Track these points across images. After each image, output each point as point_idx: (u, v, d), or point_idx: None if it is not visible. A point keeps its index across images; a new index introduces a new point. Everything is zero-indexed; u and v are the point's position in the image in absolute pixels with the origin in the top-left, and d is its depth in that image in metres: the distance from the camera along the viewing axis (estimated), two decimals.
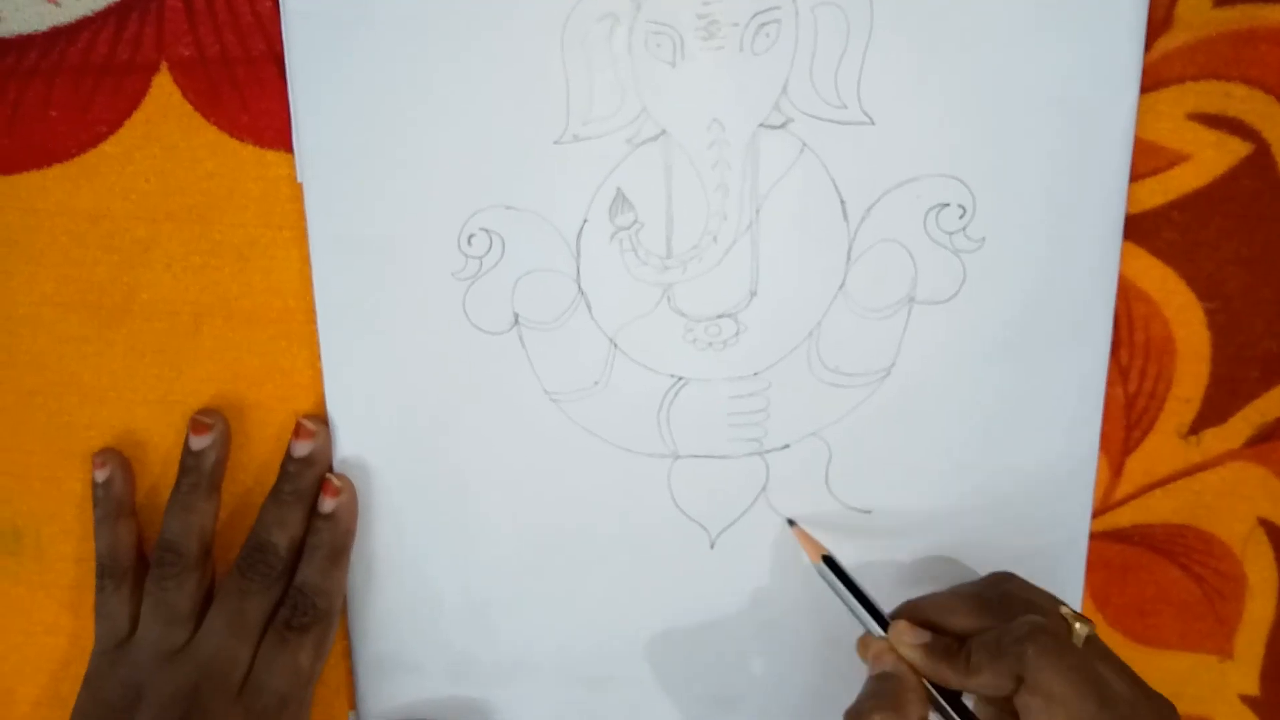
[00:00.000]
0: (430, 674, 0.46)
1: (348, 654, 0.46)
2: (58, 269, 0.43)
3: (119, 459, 0.44)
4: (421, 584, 0.45)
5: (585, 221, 0.41)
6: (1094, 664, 0.37)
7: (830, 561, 0.42)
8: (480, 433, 0.43)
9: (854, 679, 0.45)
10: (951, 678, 0.38)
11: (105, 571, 0.43)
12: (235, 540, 0.44)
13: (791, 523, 0.44)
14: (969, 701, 0.39)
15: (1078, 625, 0.38)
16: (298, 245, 0.42)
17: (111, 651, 0.43)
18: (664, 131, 0.40)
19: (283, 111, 0.40)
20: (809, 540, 0.43)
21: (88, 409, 0.44)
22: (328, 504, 0.43)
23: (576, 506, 0.44)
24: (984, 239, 0.41)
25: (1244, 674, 0.47)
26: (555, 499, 0.44)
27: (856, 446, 0.44)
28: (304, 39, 0.39)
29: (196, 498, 0.43)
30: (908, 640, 0.39)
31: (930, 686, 0.39)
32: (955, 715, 0.39)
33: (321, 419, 0.43)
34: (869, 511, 0.44)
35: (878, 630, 0.40)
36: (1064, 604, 0.39)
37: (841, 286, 0.42)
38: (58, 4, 0.40)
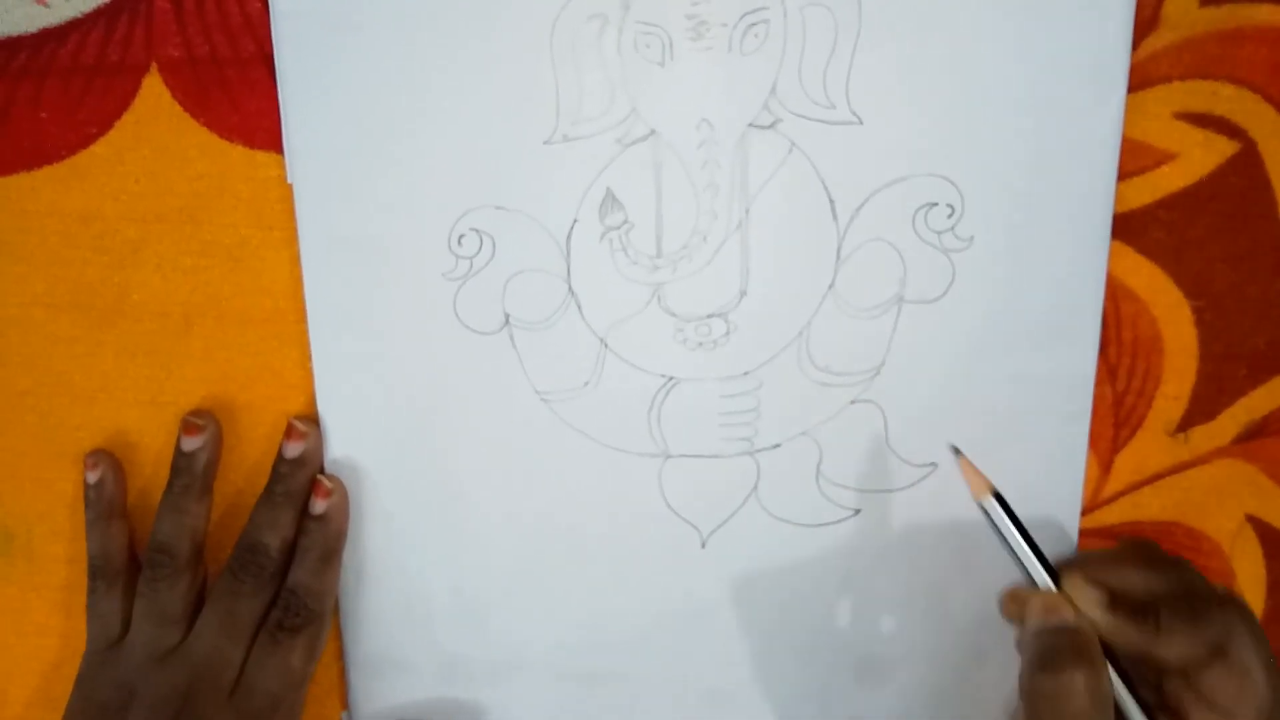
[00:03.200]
0: (422, 674, 0.46)
1: (339, 654, 0.46)
2: (48, 270, 0.43)
3: (110, 460, 0.44)
4: (413, 584, 0.45)
5: (575, 221, 0.41)
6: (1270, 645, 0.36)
7: (1000, 499, 0.39)
8: (471, 433, 0.43)
9: (847, 676, 0.45)
10: (1136, 639, 0.36)
11: (97, 572, 0.43)
12: (227, 541, 0.44)
13: (957, 451, 0.41)
14: None
15: None
16: (288, 246, 0.42)
17: (103, 652, 0.43)
18: (653, 131, 0.40)
19: (272, 112, 0.41)
20: (975, 474, 0.40)
21: (79, 410, 0.44)
22: (319, 505, 0.43)
23: (568, 506, 0.44)
24: (972, 238, 0.42)
25: None
26: (546, 499, 0.44)
27: (846, 446, 0.44)
28: (293, 40, 0.40)
29: (188, 499, 0.43)
30: (1089, 595, 0.36)
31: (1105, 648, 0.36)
32: (1126, 683, 0.36)
33: (312, 420, 0.43)
34: (858, 511, 0.44)
35: (1047, 582, 0.37)
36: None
37: (831, 286, 0.42)
38: (47, 5, 0.40)
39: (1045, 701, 0.35)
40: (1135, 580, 0.37)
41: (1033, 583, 0.39)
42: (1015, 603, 0.39)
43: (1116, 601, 0.36)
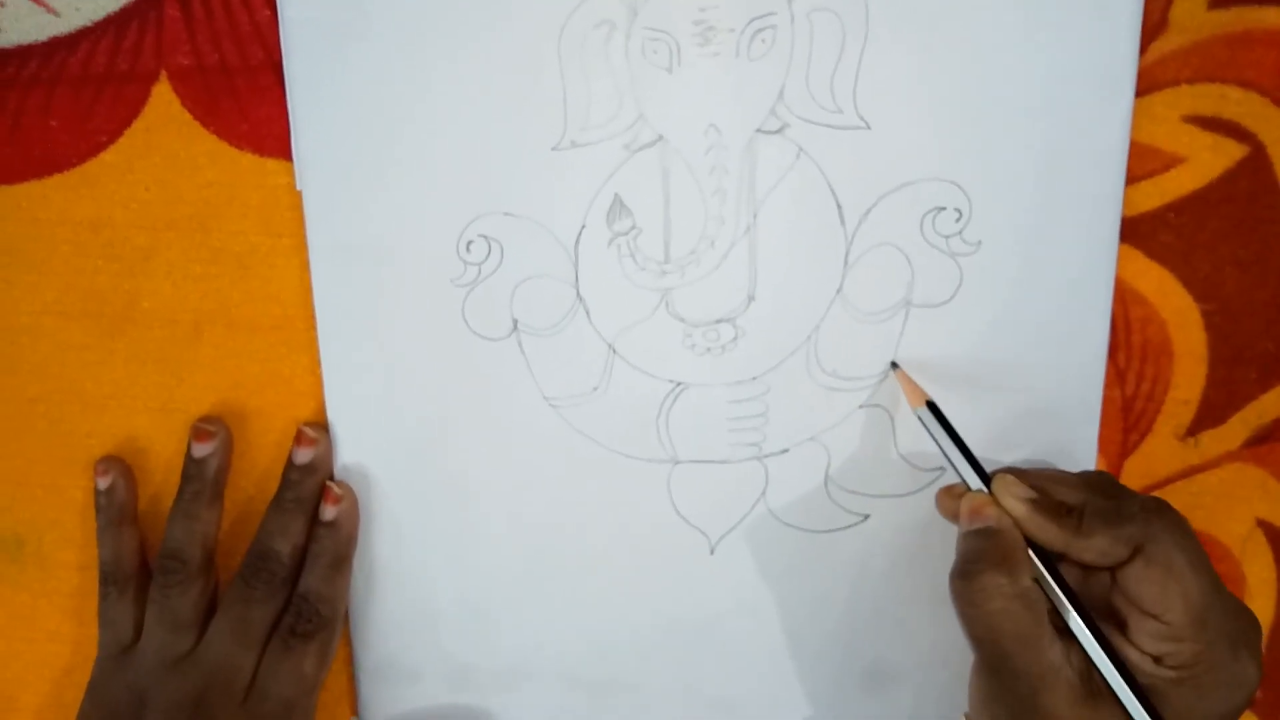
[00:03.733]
0: (431, 680, 0.46)
1: (349, 661, 0.46)
2: (59, 278, 0.43)
3: (121, 466, 0.44)
4: (422, 590, 0.45)
5: (583, 227, 0.41)
6: (1205, 552, 0.36)
7: (933, 407, 0.40)
8: (480, 439, 0.43)
9: (857, 682, 0.45)
10: (1058, 538, 0.37)
11: (108, 579, 0.43)
12: (238, 548, 0.44)
13: (895, 365, 0.42)
14: None
15: None
16: (297, 253, 0.42)
17: (115, 658, 0.43)
18: (661, 137, 0.40)
19: (282, 119, 0.41)
20: (911, 384, 0.41)
21: (89, 417, 0.44)
22: (329, 512, 0.43)
23: (576, 512, 0.44)
24: (980, 242, 0.42)
25: None
26: (555, 505, 0.44)
27: (855, 451, 0.44)
28: (302, 47, 0.40)
29: (199, 505, 0.43)
30: (1015, 493, 0.37)
31: (1032, 549, 0.37)
32: (1055, 578, 0.37)
33: (322, 426, 0.43)
34: (867, 516, 0.44)
35: (977, 483, 0.39)
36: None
37: (839, 290, 0.42)
38: (57, 14, 0.40)
39: (965, 604, 0.37)
40: (1067, 491, 0.38)
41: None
42: (950, 498, 0.40)
43: (1041, 502, 0.37)
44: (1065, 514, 0.37)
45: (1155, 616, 0.36)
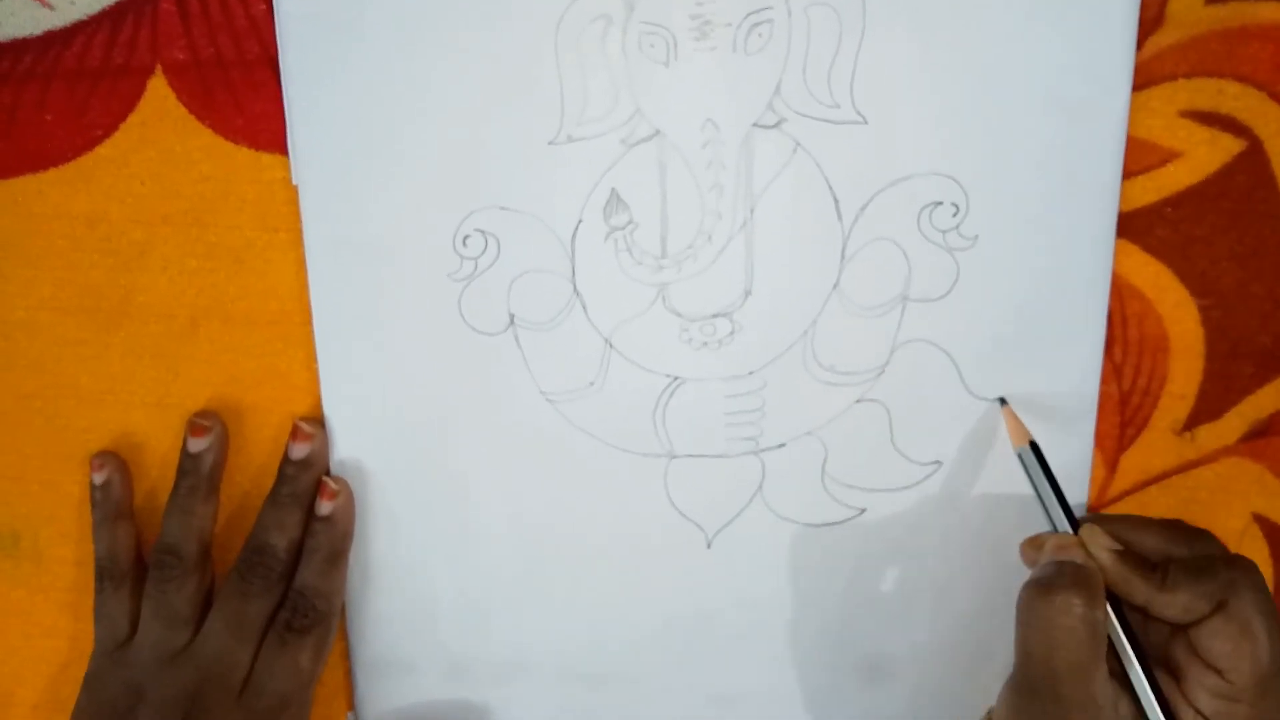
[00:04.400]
0: (428, 674, 0.46)
1: (346, 655, 0.46)
2: (54, 272, 0.43)
3: (117, 461, 0.44)
4: (419, 585, 0.45)
5: (580, 222, 0.41)
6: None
7: (1035, 449, 0.40)
8: (476, 434, 0.43)
9: (854, 675, 0.45)
10: (1140, 590, 0.36)
11: (104, 574, 0.43)
12: (234, 543, 0.44)
13: (1003, 402, 0.42)
14: None
15: None
16: (293, 247, 0.42)
17: (112, 653, 0.43)
18: (658, 132, 0.40)
19: (277, 114, 0.41)
20: (1016, 422, 0.41)
21: (85, 412, 0.44)
22: (325, 507, 0.43)
23: (573, 507, 0.44)
24: (977, 237, 0.42)
25: None
26: (552, 499, 0.44)
27: (852, 445, 0.44)
28: (298, 41, 0.40)
29: (195, 500, 0.43)
30: (1102, 543, 0.37)
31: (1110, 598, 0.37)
32: (1124, 626, 0.36)
33: (318, 421, 0.43)
34: (864, 510, 0.44)
35: (1066, 527, 0.38)
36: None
37: (836, 285, 0.42)
38: (52, 8, 0.40)
39: (1032, 615, 0.36)
40: (1153, 542, 0.38)
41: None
42: (1033, 548, 0.39)
43: (1127, 554, 0.37)
44: (1150, 570, 0.37)
45: (1220, 673, 0.35)
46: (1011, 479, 0.44)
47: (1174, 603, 0.36)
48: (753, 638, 0.46)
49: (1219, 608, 0.35)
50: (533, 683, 0.46)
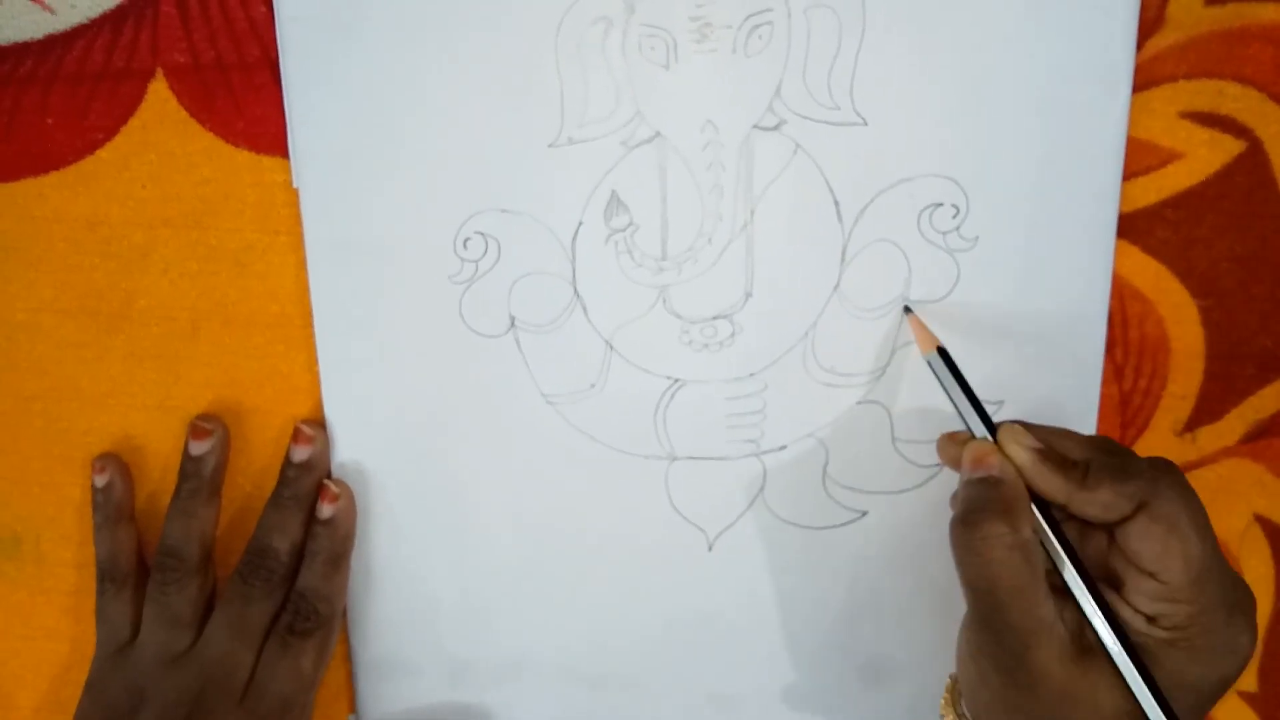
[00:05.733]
0: (430, 676, 0.46)
1: (347, 657, 0.46)
2: (56, 275, 0.43)
3: (118, 464, 0.44)
4: (420, 587, 0.45)
5: (580, 224, 0.41)
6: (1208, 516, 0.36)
7: (944, 353, 0.40)
8: (477, 436, 0.43)
9: (855, 678, 0.45)
10: (1062, 490, 0.36)
11: (106, 576, 0.43)
12: (235, 545, 0.44)
13: (908, 310, 0.42)
14: None
15: None
16: (294, 250, 0.42)
17: (113, 656, 0.43)
18: (658, 134, 0.40)
19: (278, 117, 0.41)
20: (923, 329, 0.41)
21: (86, 414, 0.44)
22: (326, 510, 0.43)
23: (574, 509, 0.44)
24: (977, 238, 0.42)
25: None
26: (553, 502, 0.44)
27: (853, 447, 0.44)
28: (299, 44, 0.40)
29: (196, 503, 0.43)
30: (1022, 442, 0.37)
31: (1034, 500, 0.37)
32: (1055, 532, 0.36)
33: (319, 424, 0.43)
34: (865, 512, 0.44)
35: (983, 431, 0.38)
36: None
37: (836, 287, 0.42)
38: (53, 12, 0.40)
39: (965, 552, 0.36)
40: (1072, 446, 0.38)
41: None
42: (951, 444, 0.39)
43: (1047, 453, 0.37)
44: (1070, 466, 0.36)
45: (1153, 575, 0.35)
46: None
47: (1095, 500, 0.36)
48: (754, 640, 0.46)
49: (1142, 508, 0.35)
50: (534, 684, 0.46)
